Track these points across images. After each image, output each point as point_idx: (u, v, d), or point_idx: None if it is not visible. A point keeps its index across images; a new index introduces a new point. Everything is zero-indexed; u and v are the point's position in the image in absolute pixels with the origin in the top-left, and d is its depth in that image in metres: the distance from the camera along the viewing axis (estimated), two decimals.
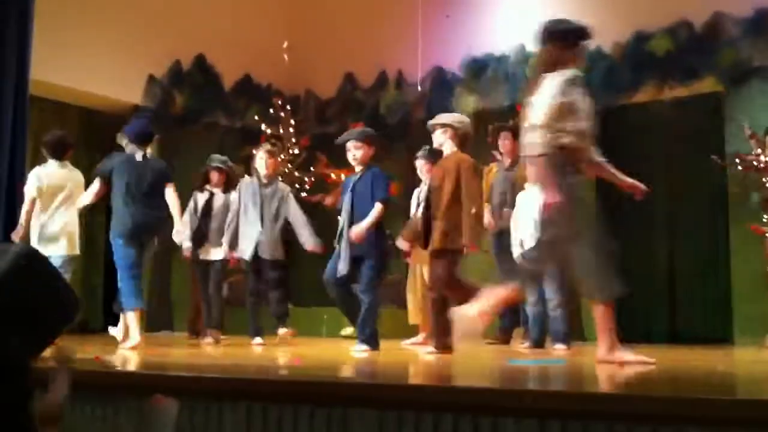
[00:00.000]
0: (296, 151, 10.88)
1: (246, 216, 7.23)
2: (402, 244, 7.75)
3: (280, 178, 8.00)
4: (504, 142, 7.63)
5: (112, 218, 6.41)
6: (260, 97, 11.29)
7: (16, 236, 6.34)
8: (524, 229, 6.77)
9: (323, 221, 8.08)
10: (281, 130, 10.73)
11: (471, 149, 9.36)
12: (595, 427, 2.47)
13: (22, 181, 5.92)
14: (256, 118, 10.77)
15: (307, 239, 7.19)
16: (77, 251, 6.75)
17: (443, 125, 5.99)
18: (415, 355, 5.88)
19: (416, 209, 7.68)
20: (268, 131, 10.53)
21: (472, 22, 10.51)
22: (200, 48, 10.80)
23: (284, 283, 7.42)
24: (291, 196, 7.42)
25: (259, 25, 11.34)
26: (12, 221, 5.65)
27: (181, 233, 7.11)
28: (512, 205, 7.15)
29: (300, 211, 7.34)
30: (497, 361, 5.23)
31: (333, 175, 10.41)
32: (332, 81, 11.50)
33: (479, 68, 10.33)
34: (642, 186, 4.89)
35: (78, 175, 6.82)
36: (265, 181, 7.30)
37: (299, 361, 4.74)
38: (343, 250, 6.14)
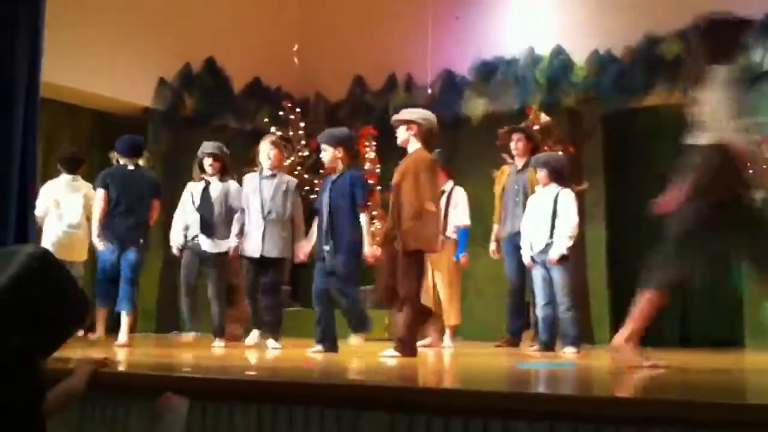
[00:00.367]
0: (306, 153, 10.89)
1: (249, 212, 6.85)
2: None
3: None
4: (517, 144, 7.62)
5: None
6: (270, 100, 11.30)
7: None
8: (535, 232, 6.77)
9: None
10: (291, 133, 10.74)
11: (478, 152, 9.40)
12: (606, 430, 2.46)
13: (34, 182, 5.95)
14: (266, 120, 10.78)
15: (300, 245, 6.76)
16: (85, 257, 7.51)
17: (407, 122, 5.83)
18: (424, 358, 5.87)
19: None
20: (278, 134, 10.54)
21: (481, 25, 10.50)
22: (210, 51, 10.82)
23: (276, 287, 6.94)
24: (295, 190, 6.99)
25: (268, 28, 11.36)
26: (23, 222, 5.65)
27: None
28: (524, 208, 7.15)
29: (300, 211, 6.96)
30: (507, 364, 5.21)
31: None
32: (342, 84, 11.50)
33: (489, 71, 10.32)
34: None
35: (88, 188, 7.54)
36: (268, 173, 6.89)
37: (309, 363, 4.74)
38: (327, 252, 6.11)
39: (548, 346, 6.65)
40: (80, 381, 2.56)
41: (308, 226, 6.80)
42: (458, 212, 7.52)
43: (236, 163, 8.10)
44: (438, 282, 7.50)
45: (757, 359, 6.51)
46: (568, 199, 6.73)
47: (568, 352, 6.41)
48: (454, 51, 10.55)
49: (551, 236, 6.65)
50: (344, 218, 6.10)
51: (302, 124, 10.90)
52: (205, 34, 10.64)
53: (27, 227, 6.27)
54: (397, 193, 5.68)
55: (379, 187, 10.67)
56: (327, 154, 6.24)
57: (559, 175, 6.83)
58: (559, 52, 9.73)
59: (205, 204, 7.02)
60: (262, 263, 6.76)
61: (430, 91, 10.63)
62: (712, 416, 2.37)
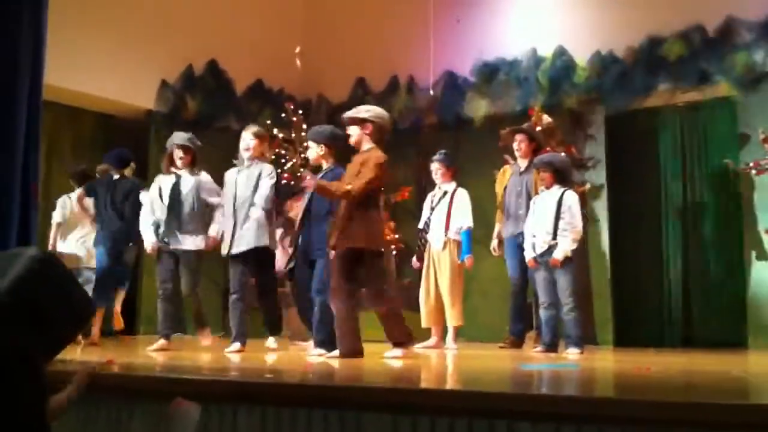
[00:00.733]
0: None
1: (225, 207, 6.51)
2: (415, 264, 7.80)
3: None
4: (519, 145, 7.63)
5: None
6: (272, 102, 11.30)
7: None
8: (538, 233, 6.77)
9: None
10: (293, 135, 10.74)
11: (480, 153, 9.40)
12: (610, 431, 2.46)
13: (36, 183, 5.99)
14: (268, 122, 10.78)
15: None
16: (93, 264, 7.73)
17: (361, 120, 5.60)
18: (428, 359, 5.87)
19: (429, 213, 7.68)
20: (280, 135, 10.54)
21: (483, 27, 10.50)
22: (213, 53, 10.83)
23: (271, 286, 6.67)
24: (269, 176, 6.45)
25: (271, 30, 11.36)
26: (25, 223, 5.67)
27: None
28: (526, 209, 7.15)
29: (265, 197, 6.40)
30: (510, 365, 5.21)
31: None
32: (344, 86, 11.51)
33: (491, 72, 10.32)
34: None
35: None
36: (246, 164, 6.52)
37: (310, 365, 4.74)
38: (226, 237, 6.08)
39: (551, 348, 6.64)
40: (76, 387, 2.53)
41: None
42: (461, 214, 7.51)
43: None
44: (440, 283, 7.50)
45: (760, 360, 6.50)
46: (572, 200, 6.72)
47: (572, 353, 6.40)
48: (456, 52, 10.55)
49: (555, 237, 6.64)
50: (324, 214, 5.93)
51: (304, 126, 10.90)
52: (207, 37, 10.65)
53: (29, 228, 6.28)
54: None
55: (381, 189, 10.66)
56: (311, 151, 6.10)
57: (563, 176, 6.83)
58: (561, 53, 9.73)
59: (176, 199, 6.65)
60: (244, 260, 6.40)
61: (432, 93, 10.63)
62: (715, 417, 2.37)
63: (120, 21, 9.81)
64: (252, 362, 5.13)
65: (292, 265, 6.16)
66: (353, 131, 5.62)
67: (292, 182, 9.35)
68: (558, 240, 6.62)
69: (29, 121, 5.87)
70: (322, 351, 5.73)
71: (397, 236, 10.47)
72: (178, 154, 6.73)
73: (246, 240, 6.36)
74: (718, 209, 9.08)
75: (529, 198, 7.27)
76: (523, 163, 7.60)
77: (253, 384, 3.30)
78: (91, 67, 9.43)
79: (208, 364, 5.11)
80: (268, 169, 6.53)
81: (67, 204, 8.21)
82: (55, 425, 2.21)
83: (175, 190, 6.66)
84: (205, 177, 6.80)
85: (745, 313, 8.50)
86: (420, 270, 7.76)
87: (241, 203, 6.40)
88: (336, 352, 5.44)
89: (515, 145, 7.66)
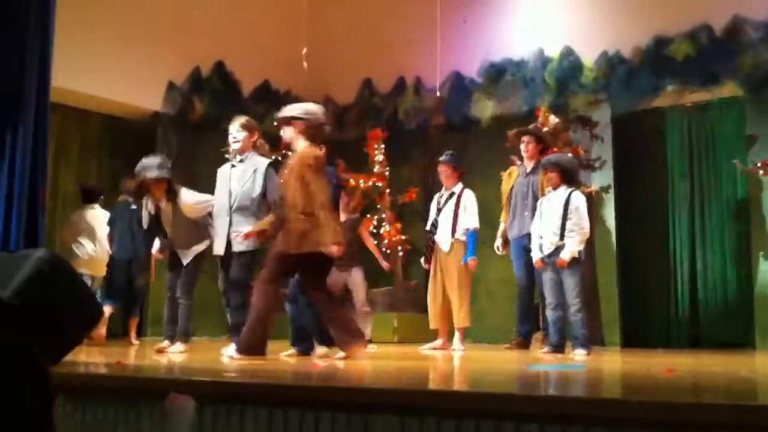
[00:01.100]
0: None
1: (216, 206, 6.17)
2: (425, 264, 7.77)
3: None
4: (527, 146, 7.62)
5: None
6: (279, 103, 11.22)
7: None
8: (545, 234, 6.76)
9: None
10: None
11: (487, 154, 9.39)
12: None
13: (44, 185, 6.02)
14: (275, 124, 10.79)
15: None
16: (103, 273, 8.29)
17: (293, 119, 5.47)
18: (434, 360, 5.86)
19: (436, 214, 7.67)
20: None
21: (490, 27, 10.50)
22: (219, 55, 10.86)
23: (243, 283, 5.95)
24: (270, 171, 6.01)
25: (277, 32, 11.39)
26: (33, 224, 5.70)
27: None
28: (533, 210, 7.13)
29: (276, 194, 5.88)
30: (517, 366, 5.20)
31: (351, 180, 10.42)
32: (351, 87, 11.53)
33: (497, 73, 10.33)
34: None
35: (105, 215, 8.39)
36: (236, 159, 6.16)
37: (318, 366, 4.74)
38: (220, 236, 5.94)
39: (558, 349, 6.63)
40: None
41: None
42: (467, 215, 7.49)
43: None
44: (447, 285, 7.48)
45: None
46: (579, 201, 6.70)
47: (579, 354, 6.39)
48: (462, 53, 10.56)
49: (562, 238, 6.62)
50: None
51: None
52: (214, 39, 10.68)
53: (37, 229, 6.31)
54: (283, 194, 5.46)
55: (388, 190, 10.67)
56: (284, 133, 5.70)
57: (570, 177, 6.81)
58: (568, 53, 9.72)
59: (158, 230, 6.53)
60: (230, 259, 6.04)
61: (438, 93, 10.64)
62: (724, 419, 2.36)
63: (127, 23, 9.84)
64: (262, 365, 5.13)
65: None
66: (285, 132, 5.51)
67: None
68: (565, 241, 6.61)
69: (37, 123, 5.90)
70: (324, 349, 5.79)
71: (404, 237, 10.48)
72: (154, 188, 6.36)
73: (234, 242, 5.98)
74: (725, 210, 9.06)
75: (535, 200, 7.25)
76: (529, 165, 7.59)
77: (259, 386, 3.30)
78: (98, 69, 9.46)
79: (215, 365, 5.12)
80: (263, 165, 6.09)
81: (78, 219, 8.55)
82: (62, 426, 2.22)
83: (155, 220, 6.50)
84: (184, 195, 6.45)
85: (753, 313, 8.48)
86: (428, 271, 7.76)
87: (235, 199, 6.00)
88: (341, 354, 5.44)
89: (522, 146, 7.65)
